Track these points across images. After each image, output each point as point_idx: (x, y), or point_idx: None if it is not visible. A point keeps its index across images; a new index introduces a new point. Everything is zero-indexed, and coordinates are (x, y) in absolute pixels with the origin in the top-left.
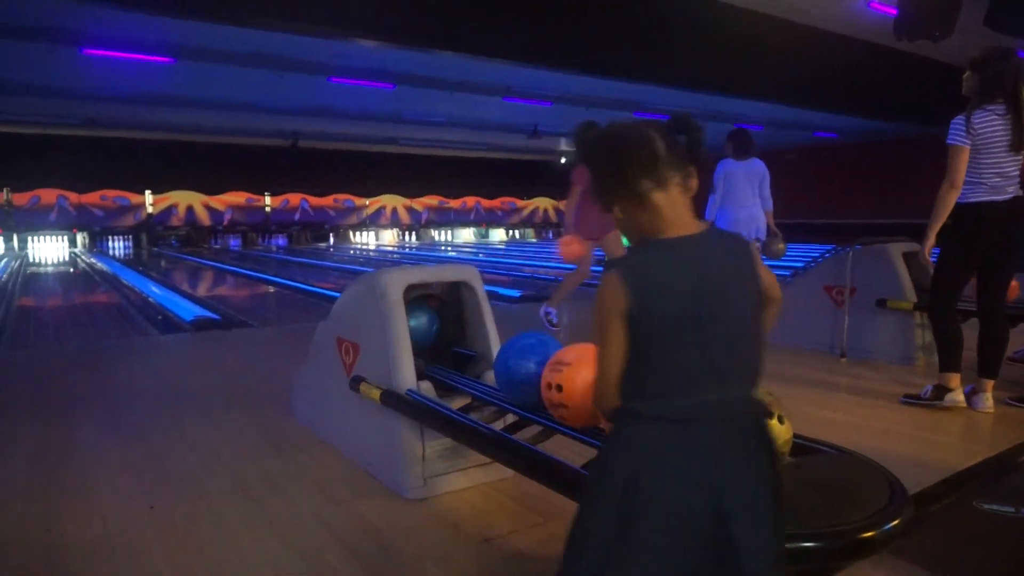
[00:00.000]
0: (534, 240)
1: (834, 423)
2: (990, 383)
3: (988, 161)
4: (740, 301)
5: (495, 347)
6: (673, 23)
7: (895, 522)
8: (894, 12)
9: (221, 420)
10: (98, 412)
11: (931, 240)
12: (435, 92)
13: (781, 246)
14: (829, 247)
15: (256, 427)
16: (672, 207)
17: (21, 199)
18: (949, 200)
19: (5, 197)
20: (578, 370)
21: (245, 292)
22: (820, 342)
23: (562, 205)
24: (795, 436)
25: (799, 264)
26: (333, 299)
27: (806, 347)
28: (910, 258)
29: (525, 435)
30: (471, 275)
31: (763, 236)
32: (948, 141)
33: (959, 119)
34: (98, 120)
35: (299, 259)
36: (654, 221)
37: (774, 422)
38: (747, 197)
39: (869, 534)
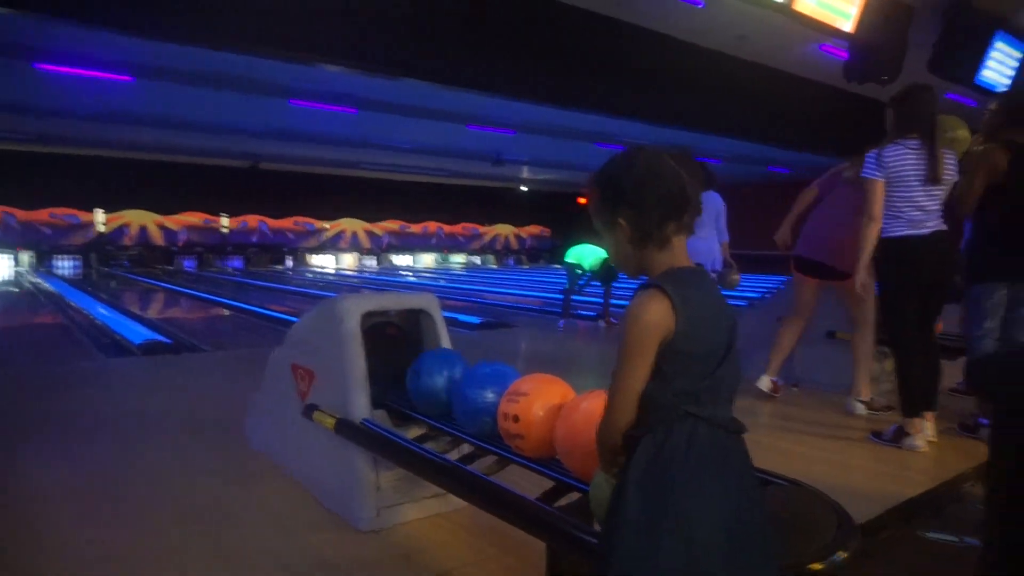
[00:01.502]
0: (495, 266)
1: (786, 454)
2: (930, 415)
3: (903, 195)
4: (735, 326)
5: None
6: (638, 59)
7: (843, 553)
8: (845, 56)
9: (171, 446)
10: (41, 439)
11: (860, 273)
12: (398, 118)
13: (735, 276)
14: (784, 279)
15: (208, 454)
16: (681, 243)
17: None
18: (868, 232)
19: None
20: (535, 400)
21: (199, 315)
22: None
23: (523, 232)
24: None
25: (755, 295)
26: (290, 323)
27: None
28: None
29: (481, 465)
30: (429, 303)
31: (719, 267)
32: (861, 174)
33: (872, 153)
34: (50, 136)
35: (256, 282)
36: (663, 256)
37: None
38: (705, 229)
39: (818, 566)
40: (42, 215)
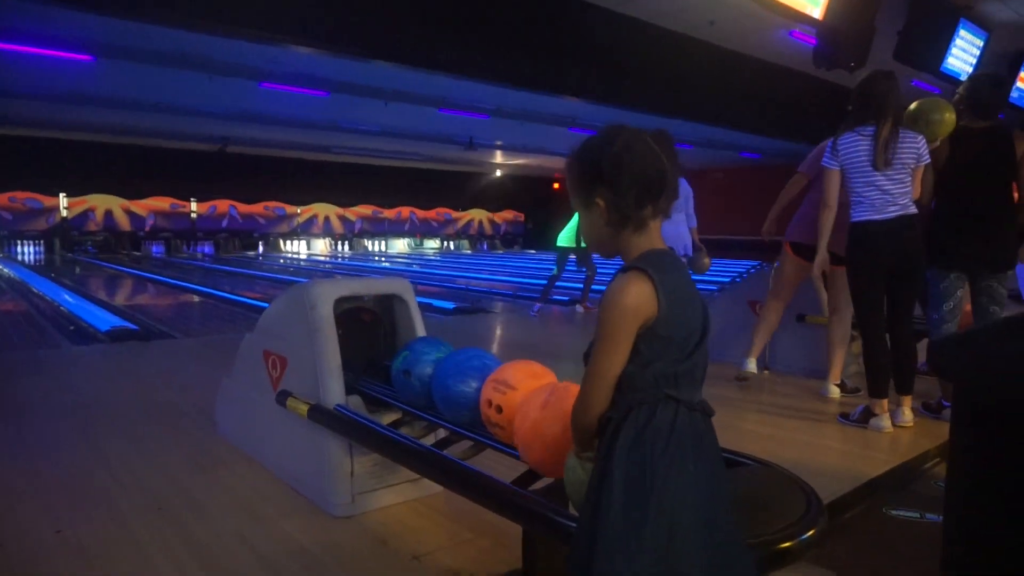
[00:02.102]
0: (469, 252)
1: (756, 436)
2: (907, 398)
3: (861, 181)
4: (706, 308)
5: None
6: (611, 43)
7: (811, 532)
8: (814, 42)
9: (138, 435)
10: (2, 429)
11: (820, 257)
12: (370, 101)
13: (706, 260)
14: (755, 263)
15: (176, 442)
16: (657, 227)
17: None
18: (824, 219)
19: None
20: (520, 395)
21: (168, 301)
22: (744, 356)
23: (497, 217)
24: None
25: (726, 279)
26: (261, 310)
27: (732, 361)
28: (829, 274)
29: (456, 450)
30: (403, 288)
31: (689, 252)
32: (821, 163)
33: (829, 142)
34: (10, 118)
35: (226, 268)
36: (640, 239)
37: None
38: (675, 214)
39: (787, 544)
40: (2, 199)
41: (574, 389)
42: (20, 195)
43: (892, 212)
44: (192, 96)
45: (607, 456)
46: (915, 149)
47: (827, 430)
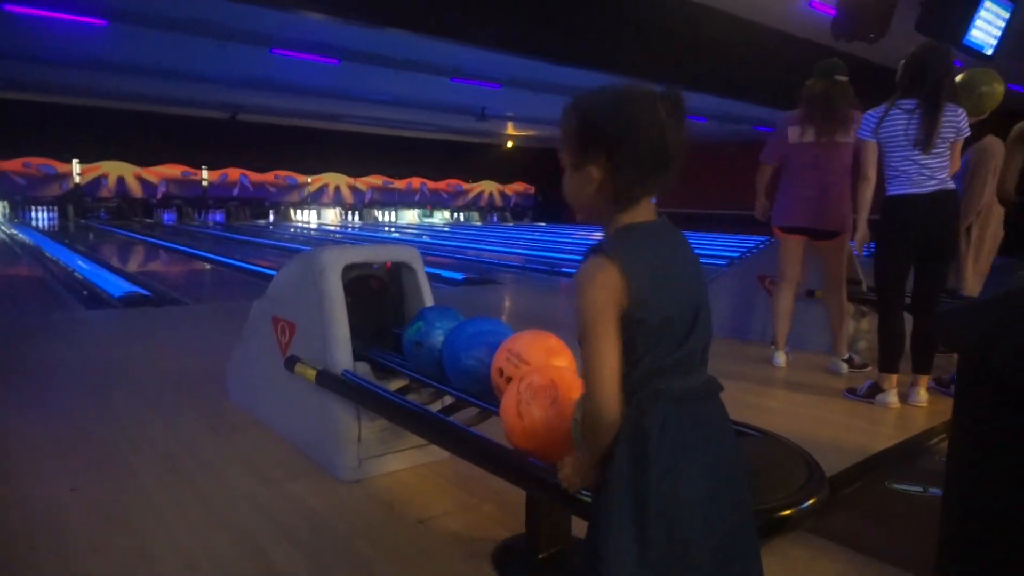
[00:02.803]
0: (479, 223)
1: (765, 410)
2: (924, 378)
3: (899, 155)
4: (703, 285)
5: None
6: (626, 12)
7: (811, 501)
8: (833, 12)
9: (151, 398)
10: (18, 390)
11: (861, 232)
12: (382, 70)
13: None
14: (764, 238)
15: (188, 406)
16: (648, 201)
17: None
18: (862, 191)
19: None
20: (534, 371)
21: (179, 268)
22: (755, 331)
23: (508, 189)
24: None
25: (736, 254)
26: (271, 277)
27: (742, 337)
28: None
29: (462, 417)
30: (412, 256)
31: None
32: (857, 134)
33: (868, 114)
34: (23, 83)
35: (237, 236)
36: (624, 214)
37: None
38: None
39: (787, 512)
40: (16, 165)
41: (575, 383)
42: (34, 160)
43: (931, 187)
44: (204, 63)
45: (607, 469)
46: (955, 123)
47: (834, 405)
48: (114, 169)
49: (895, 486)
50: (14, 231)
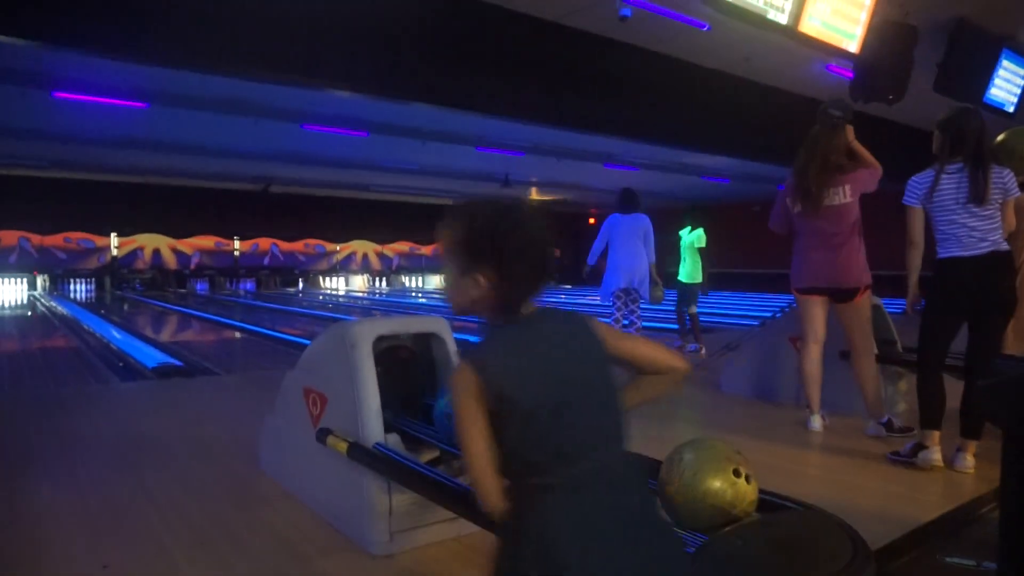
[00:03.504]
0: None
1: (800, 477)
2: (972, 443)
3: (946, 219)
4: (593, 370)
5: None
6: (644, 80)
7: None
8: (851, 75)
9: (183, 471)
10: (52, 463)
11: (910, 295)
12: (408, 141)
13: (659, 293)
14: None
15: (220, 478)
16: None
17: None
18: (911, 258)
19: None
20: None
21: (211, 337)
22: (788, 395)
23: None
24: (761, 492)
25: (767, 314)
26: (301, 345)
27: (774, 400)
28: (872, 311)
29: None
30: (441, 326)
31: (646, 283)
32: (903, 201)
33: (912, 180)
34: (66, 162)
35: (267, 304)
36: (503, 310)
37: (741, 481)
38: (631, 247)
39: None
40: (57, 239)
41: None
42: (74, 235)
43: (983, 248)
44: (237, 138)
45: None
46: (1001, 183)
47: (874, 471)
48: (150, 241)
49: (947, 559)
50: (53, 303)
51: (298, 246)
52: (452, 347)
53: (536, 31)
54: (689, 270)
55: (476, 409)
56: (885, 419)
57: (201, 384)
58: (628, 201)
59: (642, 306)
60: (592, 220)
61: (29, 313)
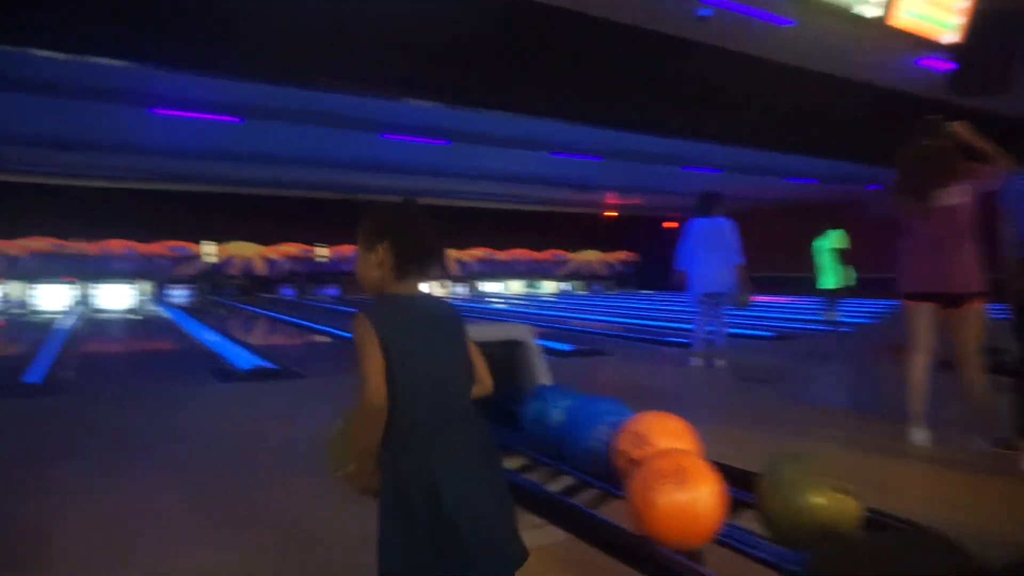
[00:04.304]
0: (582, 292)
1: (904, 494)
2: None
3: None
4: (452, 341)
5: None
6: (725, 82)
7: None
8: (946, 67)
9: (272, 468)
10: (158, 456)
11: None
12: (484, 148)
13: (745, 298)
14: (889, 302)
15: (306, 478)
16: (414, 281)
17: (92, 249)
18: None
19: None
20: (661, 455)
21: (298, 341)
22: (883, 405)
23: (610, 257)
24: (867, 510)
25: (863, 320)
26: None
27: (874, 412)
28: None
29: (582, 498)
30: (526, 334)
31: (728, 288)
32: (1001, 204)
33: (1015, 179)
34: (164, 174)
35: (351, 309)
36: (398, 285)
37: (844, 497)
38: (712, 252)
39: None
40: (157, 247)
41: (702, 467)
42: (173, 243)
43: None
44: (323, 148)
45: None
46: None
47: (984, 488)
48: (241, 249)
49: None
50: (156, 308)
51: None
52: (537, 354)
53: (610, 35)
54: (830, 276)
55: (373, 341)
56: (1000, 435)
57: (289, 386)
58: (708, 204)
59: (730, 311)
60: (670, 224)
61: (138, 317)
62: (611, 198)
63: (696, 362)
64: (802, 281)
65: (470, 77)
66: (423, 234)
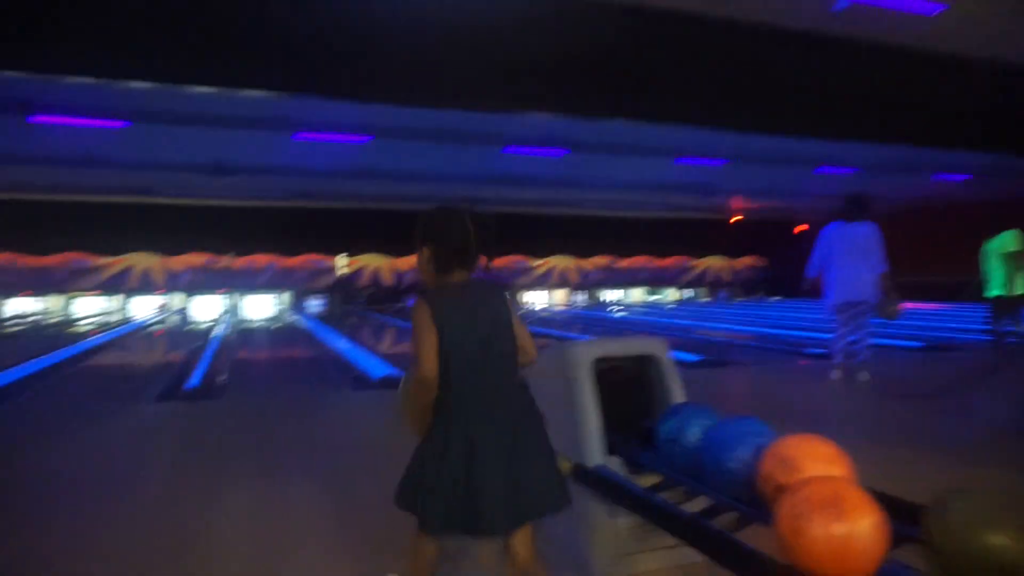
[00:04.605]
0: (706, 300)
1: None
2: None
3: None
4: (500, 324)
5: None
6: (860, 77)
7: None
8: None
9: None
10: (301, 458)
11: None
12: (606, 156)
13: (892, 308)
14: None
15: None
16: (460, 272)
17: (239, 263)
18: None
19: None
20: (814, 482)
21: None
22: None
23: (736, 263)
24: None
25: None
26: None
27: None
28: None
29: (720, 521)
30: (659, 348)
31: (869, 297)
32: None
33: None
34: (303, 191)
35: None
36: (445, 277)
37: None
38: (853, 258)
39: None
40: (299, 261)
41: (862, 498)
42: (310, 257)
43: None
44: (447, 163)
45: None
46: None
47: None
48: (371, 261)
49: None
50: (295, 317)
51: (502, 262)
52: (671, 369)
53: (734, 34)
54: (1002, 281)
55: (430, 324)
56: None
57: None
58: (854, 208)
59: (876, 321)
60: (800, 228)
61: (279, 325)
62: (737, 202)
63: (836, 375)
64: (951, 286)
65: (592, 87)
66: (459, 234)
